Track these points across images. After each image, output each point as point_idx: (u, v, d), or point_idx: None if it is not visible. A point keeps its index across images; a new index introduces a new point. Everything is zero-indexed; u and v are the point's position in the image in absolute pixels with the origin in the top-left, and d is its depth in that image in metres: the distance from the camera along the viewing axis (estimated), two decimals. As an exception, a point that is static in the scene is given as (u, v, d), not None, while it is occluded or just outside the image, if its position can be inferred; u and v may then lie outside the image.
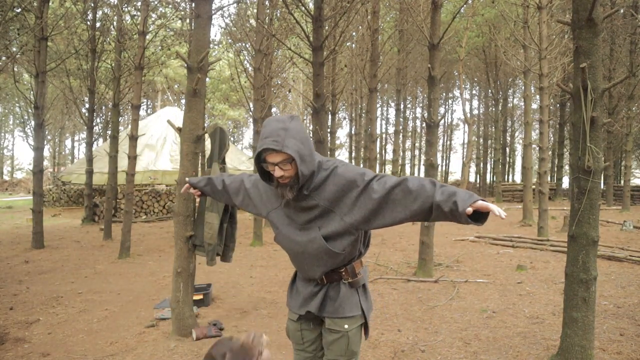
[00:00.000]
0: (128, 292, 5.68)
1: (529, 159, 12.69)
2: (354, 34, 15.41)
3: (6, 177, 42.47)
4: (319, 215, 1.83)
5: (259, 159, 1.78)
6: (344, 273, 1.93)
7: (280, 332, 4.05)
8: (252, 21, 11.85)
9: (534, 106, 23.56)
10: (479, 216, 1.60)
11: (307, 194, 1.80)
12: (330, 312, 1.93)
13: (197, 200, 4.12)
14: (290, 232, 1.91)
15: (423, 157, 24.14)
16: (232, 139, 40.94)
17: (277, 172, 1.73)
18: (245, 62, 12.34)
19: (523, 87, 15.17)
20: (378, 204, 1.73)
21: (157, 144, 18.18)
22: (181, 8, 12.01)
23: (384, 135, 36.17)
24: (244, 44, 12.69)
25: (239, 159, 19.59)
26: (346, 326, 1.92)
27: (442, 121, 37.93)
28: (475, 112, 37.29)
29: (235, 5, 12.67)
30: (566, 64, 12.46)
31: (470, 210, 1.53)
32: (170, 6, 12.27)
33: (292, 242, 1.91)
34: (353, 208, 1.78)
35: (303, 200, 1.82)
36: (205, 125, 4.30)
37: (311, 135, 7.77)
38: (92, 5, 11.05)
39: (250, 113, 11.35)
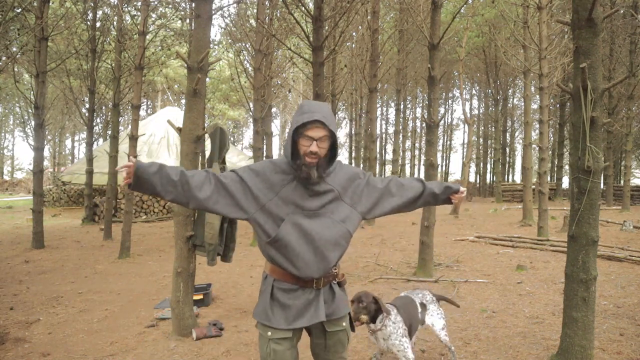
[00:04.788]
0: (128, 292, 5.69)
1: (529, 159, 12.68)
2: (354, 34, 15.42)
3: (6, 177, 42.47)
4: (330, 201, 1.87)
5: (296, 132, 1.79)
6: (336, 272, 1.94)
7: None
8: (252, 21, 11.86)
9: (534, 106, 23.56)
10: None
11: (324, 176, 1.84)
12: (329, 315, 1.92)
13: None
14: (300, 220, 1.81)
15: (423, 157, 24.12)
16: (232, 139, 40.92)
17: (314, 147, 1.76)
18: (245, 62, 12.34)
19: (523, 87, 15.17)
20: (380, 194, 1.99)
21: (157, 144, 18.18)
22: (181, 8, 12.02)
23: (383, 135, 36.17)
24: (244, 44, 12.69)
25: (239, 159, 19.58)
26: (344, 324, 1.98)
27: (442, 121, 37.92)
28: (475, 112, 37.28)
29: (235, 5, 12.66)
30: (566, 64, 12.45)
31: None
32: (170, 6, 12.28)
33: (304, 231, 1.80)
34: (361, 197, 1.95)
35: (319, 184, 1.84)
36: (205, 125, 4.29)
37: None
38: (92, 5, 11.06)
39: (250, 113, 11.35)
